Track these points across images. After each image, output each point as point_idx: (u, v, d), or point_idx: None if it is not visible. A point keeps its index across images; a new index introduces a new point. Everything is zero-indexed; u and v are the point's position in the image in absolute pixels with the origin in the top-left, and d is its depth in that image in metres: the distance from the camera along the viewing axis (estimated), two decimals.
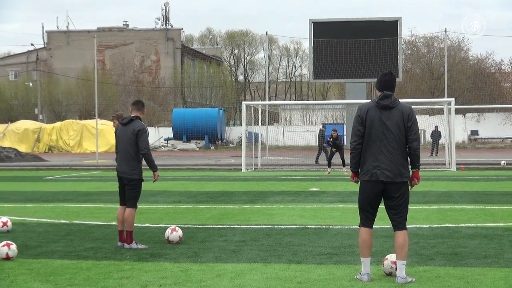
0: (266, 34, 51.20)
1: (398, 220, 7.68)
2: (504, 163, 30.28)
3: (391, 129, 7.59)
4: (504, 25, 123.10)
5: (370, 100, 7.97)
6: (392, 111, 7.64)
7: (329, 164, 28.32)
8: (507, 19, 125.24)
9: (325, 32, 49.77)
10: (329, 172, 27.20)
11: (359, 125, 7.72)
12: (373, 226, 7.83)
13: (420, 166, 7.88)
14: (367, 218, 7.78)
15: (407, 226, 7.77)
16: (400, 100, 7.90)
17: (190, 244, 10.25)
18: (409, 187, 7.77)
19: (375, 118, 7.64)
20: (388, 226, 10.73)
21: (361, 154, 7.74)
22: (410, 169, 7.75)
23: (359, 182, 7.84)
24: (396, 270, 7.66)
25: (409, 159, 7.74)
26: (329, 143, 28.61)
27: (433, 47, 70.17)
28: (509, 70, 70.64)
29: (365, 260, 7.69)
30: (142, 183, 10.27)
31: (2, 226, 11.63)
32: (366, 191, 7.74)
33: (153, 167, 10.25)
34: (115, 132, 10.63)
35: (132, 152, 10.14)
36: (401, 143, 7.63)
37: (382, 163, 7.58)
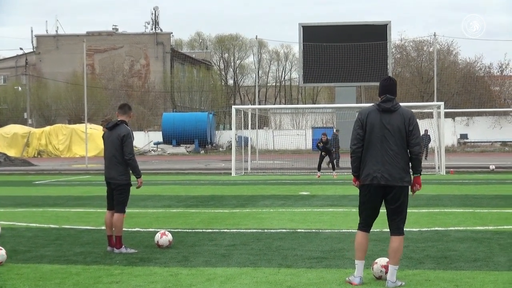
0: (256, 38, 51.12)
1: (397, 224, 7.65)
2: (493, 167, 30.30)
3: (392, 132, 7.54)
4: (493, 29, 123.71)
5: (371, 104, 7.93)
6: (393, 115, 7.59)
7: (319, 168, 28.31)
8: (496, 23, 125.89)
9: (314, 36, 49.98)
10: (319, 176, 27.19)
11: (359, 128, 7.67)
12: None
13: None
14: (366, 222, 7.75)
15: None
16: None
17: (180, 248, 10.23)
18: (410, 192, 7.75)
19: (376, 122, 7.59)
20: (378, 230, 10.76)
21: (361, 158, 7.70)
22: (411, 174, 7.71)
23: (360, 186, 7.78)
24: (386, 274, 7.65)
25: (410, 164, 7.67)
26: (319, 147, 28.60)
27: (422, 51, 70.43)
28: (498, 73, 70.89)
29: (359, 263, 7.67)
30: (130, 187, 10.24)
31: None
32: (367, 195, 7.69)
33: (137, 173, 10.17)
34: (103, 137, 10.59)
35: (119, 157, 10.09)
36: (402, 147, 7.57)
37: (383, 167, 7.53)
